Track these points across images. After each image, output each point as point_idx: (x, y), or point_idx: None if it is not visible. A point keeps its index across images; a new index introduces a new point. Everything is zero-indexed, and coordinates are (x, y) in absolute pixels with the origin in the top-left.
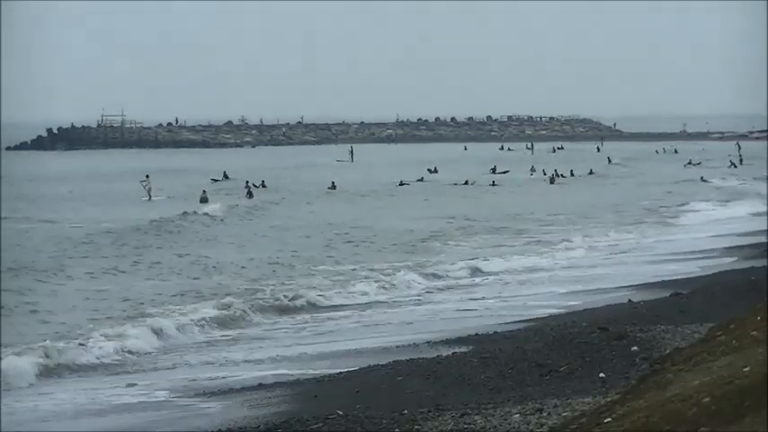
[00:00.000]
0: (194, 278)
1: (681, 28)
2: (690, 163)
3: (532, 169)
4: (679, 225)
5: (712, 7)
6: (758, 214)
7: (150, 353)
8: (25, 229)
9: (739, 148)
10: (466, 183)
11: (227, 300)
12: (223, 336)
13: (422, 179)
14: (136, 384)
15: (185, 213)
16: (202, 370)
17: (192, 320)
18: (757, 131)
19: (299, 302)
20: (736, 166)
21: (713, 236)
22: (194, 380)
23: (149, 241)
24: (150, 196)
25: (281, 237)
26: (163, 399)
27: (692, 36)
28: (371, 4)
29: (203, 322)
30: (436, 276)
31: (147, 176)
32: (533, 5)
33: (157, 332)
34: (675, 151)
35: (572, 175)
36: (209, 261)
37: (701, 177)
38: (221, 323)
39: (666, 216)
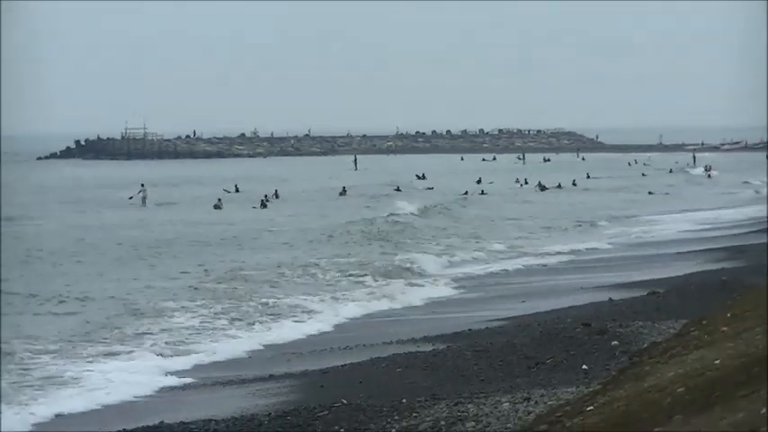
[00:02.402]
0: None
1: (671, 36)
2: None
3: (517, 180)
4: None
5: (705, 14)
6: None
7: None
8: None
9: (695, 159)
10: (465, 193)
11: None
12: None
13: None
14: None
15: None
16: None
17: None
18: (728, 143)
19: None
20: (671, 171)
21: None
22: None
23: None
24: (145, 203)
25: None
26: (177, 384)
27: (682, 48)
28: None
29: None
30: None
31: (143, 185)
32: (524, 21)
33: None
34: (644, 164)
35: (560, 186)
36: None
37: (649, 191)
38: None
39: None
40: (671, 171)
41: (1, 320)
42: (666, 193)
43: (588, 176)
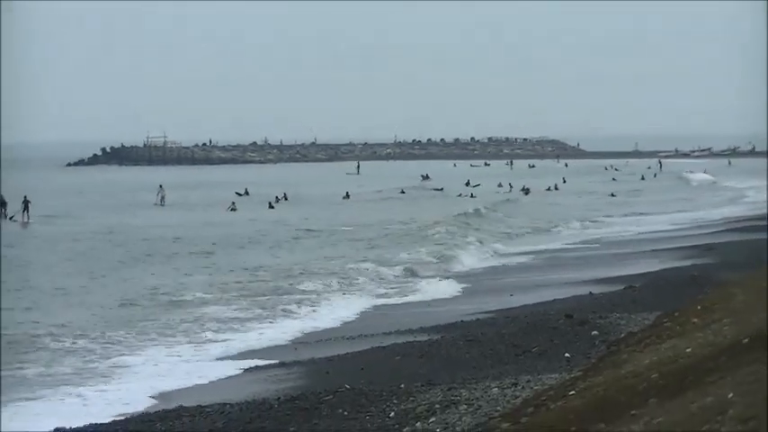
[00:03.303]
0: None
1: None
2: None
3: (500, 185)
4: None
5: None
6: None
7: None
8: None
9: (660, 165)
10: (459, 195)
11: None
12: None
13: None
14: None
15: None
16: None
17: None
18: (698, 150)
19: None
20: (643, 179)
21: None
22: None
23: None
24: (163, 203)
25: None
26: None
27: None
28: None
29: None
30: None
31: (161, 186)
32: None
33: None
34: (616, 169)
35: (553, 188)
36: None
37: (611, 193)
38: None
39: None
40: (642, 178)
41: (1, 319)
42: (627, 196)
43: (564, 181)
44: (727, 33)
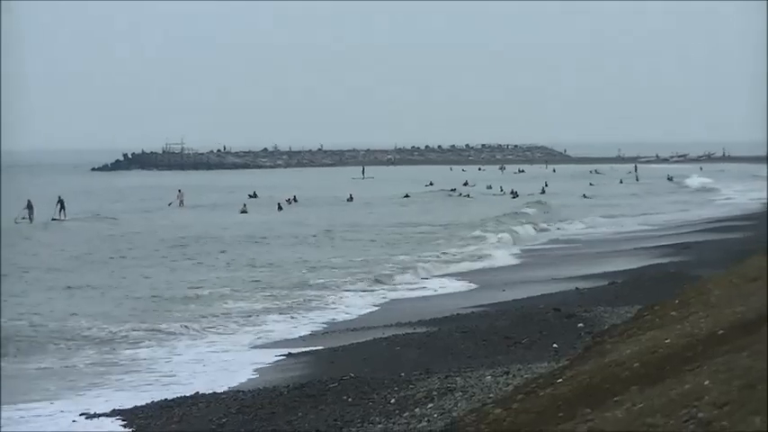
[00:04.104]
0: None
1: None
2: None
3: (489, 187)
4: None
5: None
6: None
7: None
8: None
9: (636, 169)
10: (460, 194)
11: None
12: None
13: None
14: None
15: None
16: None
17: None
18: (676, 156)
19: None
20: (621, 182)
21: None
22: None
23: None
24: (182, 205)
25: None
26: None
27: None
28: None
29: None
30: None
31: (180, 191)
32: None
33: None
34: (596, 172)
35: (543, 191)
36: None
37: (583, 194)
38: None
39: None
40: (621, 182)
41: (1, 318)
42: (593, 197)
43: (546, 185)
44: (704, 51)
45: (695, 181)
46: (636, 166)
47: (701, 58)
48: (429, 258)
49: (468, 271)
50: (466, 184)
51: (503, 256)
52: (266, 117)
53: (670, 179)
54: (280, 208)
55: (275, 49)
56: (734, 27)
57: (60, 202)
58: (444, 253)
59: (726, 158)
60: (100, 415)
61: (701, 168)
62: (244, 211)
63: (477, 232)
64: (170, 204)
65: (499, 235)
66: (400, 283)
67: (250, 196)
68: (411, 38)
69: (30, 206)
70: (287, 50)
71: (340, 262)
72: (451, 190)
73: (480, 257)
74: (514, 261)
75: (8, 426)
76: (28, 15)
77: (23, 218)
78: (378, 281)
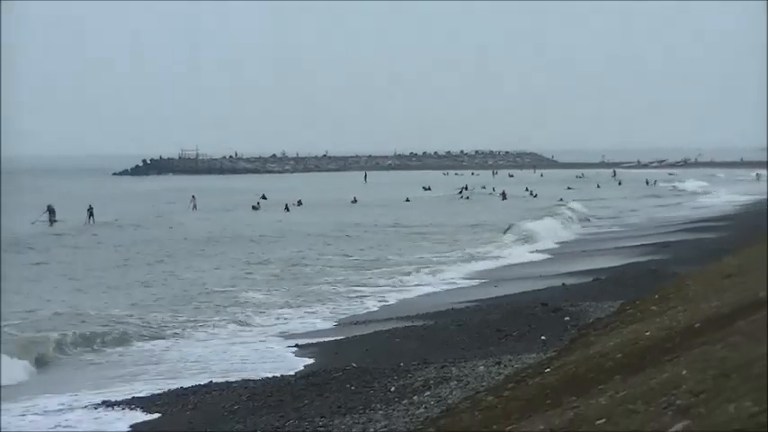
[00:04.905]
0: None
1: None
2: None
3: (484, 187)
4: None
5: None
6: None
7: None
8: None
9: (614, 173)
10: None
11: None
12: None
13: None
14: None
15: None
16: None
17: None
18: (656, 162)
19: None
20: (599, 187)
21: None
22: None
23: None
24: (195, 207)
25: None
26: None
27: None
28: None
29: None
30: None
31: (194, 196)
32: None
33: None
34: (577, 176)
35: (535, 195)
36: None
37: (560, 199)
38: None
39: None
40: (598, 186)
41: (1, 312)
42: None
43: (527, 189)
44: (688, 63)
45: (691, 185)
46: (615, 171)
47: (685, 64)
48: (428, 258)
49: (475, 271)
50: (466, 188)
51: (518, 254)
52: (275, 125)
53: (647, 183)
54: (287, 209)
55: (283, 62)
56: (720, 29)
57: (90, 210)
58: (453, 251)
59: (700, 164)
60: (120, 402)
61: (669, 174)
62: (255, 207)
63: (490, 234)
64: (191, 207)
65: (518, 233)
66: (406, 281)
67: (264, 198)
68: (411, 49)
69: (51, 210)
70: (295, 63)
71: (346, 261)
72: (460, 192)
73: (497, 257)
74: (534, 258)
75: (38, 417)
76: (51, 23)
77: (42, 221)
78: (386, 277)
